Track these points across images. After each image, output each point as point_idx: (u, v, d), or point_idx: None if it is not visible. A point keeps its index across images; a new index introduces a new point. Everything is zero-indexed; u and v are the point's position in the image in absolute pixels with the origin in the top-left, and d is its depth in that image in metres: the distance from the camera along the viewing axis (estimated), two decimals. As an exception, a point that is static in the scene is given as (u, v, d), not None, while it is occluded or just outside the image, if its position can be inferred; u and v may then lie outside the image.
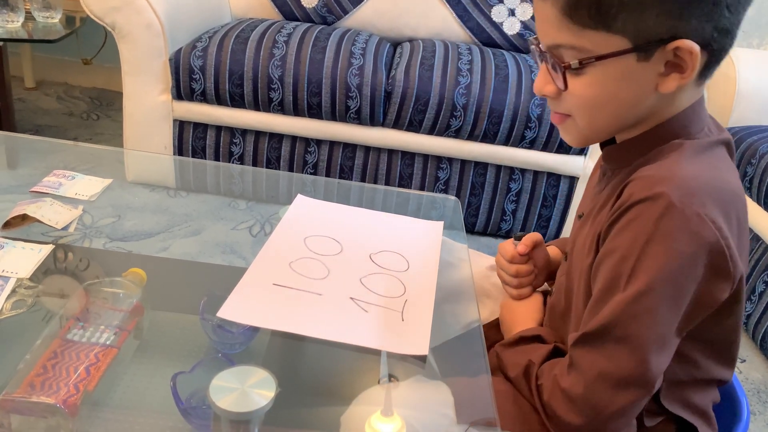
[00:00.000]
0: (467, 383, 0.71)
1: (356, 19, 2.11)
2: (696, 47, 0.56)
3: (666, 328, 0.58)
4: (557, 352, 0.69)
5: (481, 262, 0.94)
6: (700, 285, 0.57)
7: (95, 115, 2.51)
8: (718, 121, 2.01)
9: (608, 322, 0.59)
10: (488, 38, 2.12)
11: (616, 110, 0.62)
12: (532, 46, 0.64)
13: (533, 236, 0.84)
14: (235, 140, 1.88)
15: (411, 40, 2.09)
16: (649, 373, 0.58)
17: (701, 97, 0.64)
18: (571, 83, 0.61)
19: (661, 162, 0.61)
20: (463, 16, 2.10)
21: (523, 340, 0.73)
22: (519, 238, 0.84)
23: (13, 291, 0.76)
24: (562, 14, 0.58)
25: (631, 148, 0.65)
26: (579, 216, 0.74)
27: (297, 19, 2.11)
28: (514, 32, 2.10)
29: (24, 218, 0.86)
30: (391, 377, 0.71)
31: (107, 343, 0.68)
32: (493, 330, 0.87)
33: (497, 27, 2.10)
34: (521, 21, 2.10)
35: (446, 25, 2.12)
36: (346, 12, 2.10)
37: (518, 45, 2.11)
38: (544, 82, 0.64)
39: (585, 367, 0.60)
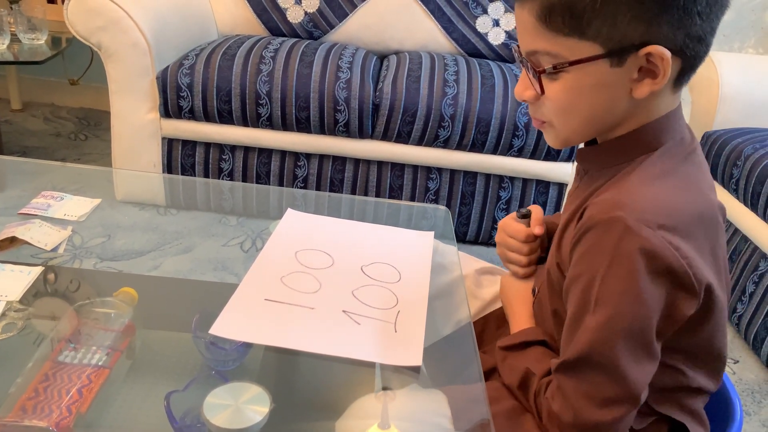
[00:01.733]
0: (462, 391, 0.71)
1: (342, 33, 2.13)
2: (667, 53, 0.57)
3: (639, 345, 0.59)
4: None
5: (471, 265, 0.95)
6: (666, 302, 0.59)
7: (83, 135, 2.51)
8: (703, 123, 2.01)
9: (583, 351, 0.60)
10: (474, 49, 2.14)
11: (591, 114, 0.63)
12: (515, 54, 0.66)
13: (540, 213, 0.84)
14: (224, 156, 1.88)
15: (397, 53, 2.10)
16: (632, 390, 0.60)
17: (678, 106, 0.65)
18: (547, 88, 0.63)
19: (620, 185, 0.62)
20: (448, 27, 2.12)
21: (525, 345, 0.74)
22: (524, 216, 0.82)
23: (3, 314, 0.75)
24: (537, 21, 0.60)
25: (606, 152, 0.66)
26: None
27: (283, 35, 2.12)
28: (499, 42, 2.13)
29: (12, 241, 0.86)
30: (387, 389, 0.71)
31: (99, 363, 0.68)
32: (478, 326, 0.88)
33: (482, 37, 2.13)
34: (506, 31, 2.12)
35: (432, 36, 2.14)
36: (332, 26, 2.12)
37: (503, 55, 2.13)
38: (523, 87, 0.65)
39: (569, 392, 0.62)
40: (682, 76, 0.61)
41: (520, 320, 0.78)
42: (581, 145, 0.71)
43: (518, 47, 0.65)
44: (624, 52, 0.58)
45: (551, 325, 0.72)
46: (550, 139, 0.69)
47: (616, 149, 0.65)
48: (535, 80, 0.63)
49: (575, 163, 1.83)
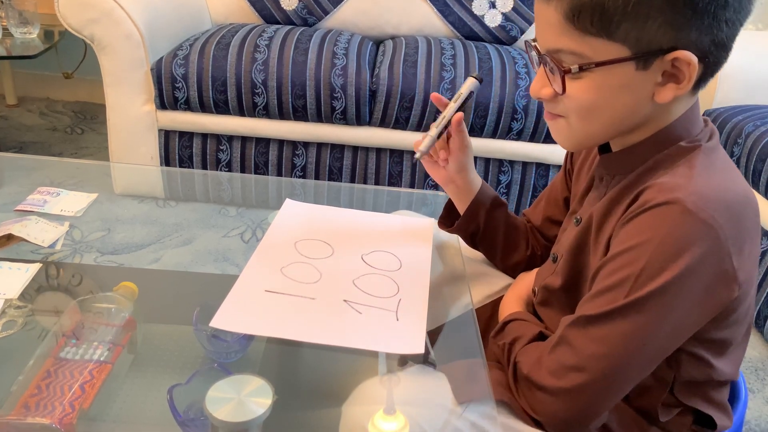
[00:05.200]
0: (462, 366, 0.71)
1: (337, 19, 2.11)
2: (694, 59, 0.57)
3: (677, 324, 0.59)
4: (543, 337, 0.69)
5: (476, 253, 0.94)
6: (709, 286, 0.58)
7: (79, 129, 2.49)
8: (703, 101, 1.99)
9: (613, 311, 0.59)
10: (470, 32, 2.12)
11: (612, 117, 0.63)
12: (531, 50, 0.65)
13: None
14: (221, 147, 1.87)
15: (393, 38, 2.08)
16: (648, 356, 0.60)
17: (696, 101, 0.65)
18: (569, 87, 0.61)
19: (674, 170, 0.62)
20: (444, 10, 2.10)
21: (509, 322, 0.74)
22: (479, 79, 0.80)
23: (3, 312, 0.75)
24: (565, 19, 0.58)
25: (632, 155, 0.65)
26: (576, 220, 0.74)
27: (277, 22, 2.10)
28: (496, 24, 2.10)
29: (9, 238, 0.85)
30: (392, 376, 0.71)
31: (101, 359, 0.68)
32: (487, 311, 0.87)
33: (479, 20, 2.10)
34: (502, 13, 2.10)
35: (427, 20, 2.12)
36: (326, 12, 2.10)
37: (500, 37, 2.11)
38: (541, 84, 0.64)
39: (578, 344, 0.61)
40: (702, 81, 0.61)
41: (508, 310, 0.78)
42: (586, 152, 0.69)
43: (535, 43, 0.64)
44: (651, 55, 0.58)
45: (556, 317, 0.72)
46: (563, 138, 0.67)
47: (644, 150, 0.64)
48: (556, 79, 0.61)
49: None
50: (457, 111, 0.79)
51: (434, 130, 0.79)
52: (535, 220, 0.90)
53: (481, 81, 0.78)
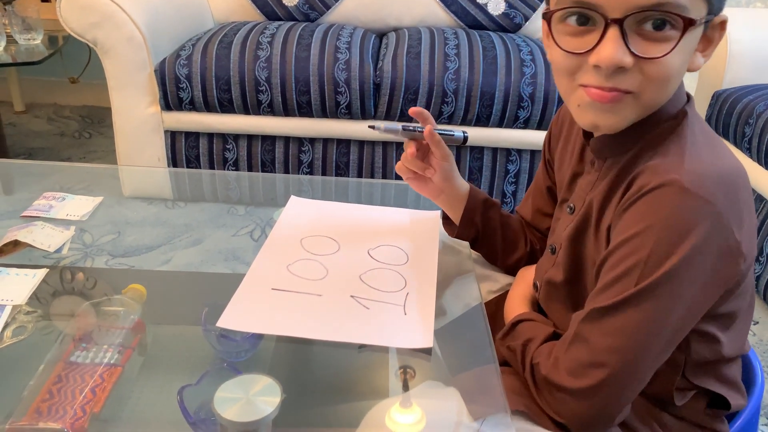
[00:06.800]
0: (474, 377, 0.70)
1: (339, 13, 2.09)
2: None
3: (690, 305, 0.58)
4: (556, 336, 0.68)
5: None
6: (716, 262, 0.57)
7: (87, 133, 2.51)
8: (712, 82, 1.97)
9: (624, 300, 0.58)
10: (473, 21, 2.10)
11: (674, 86, 0.60)
12: (594, 13, 0.55)
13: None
14: (228, 146, 1.87)
15: (396, 30, 2.07)
16: (664, 341, 0.59)
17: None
18: (661, 50, 0.55)
19: (666, 148, 0.60)
20: (447, 0, 2.08)
21: (518, 323, 0.73)
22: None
23: (13, 318, 0.75)
24: None
25: (626, 136, 0.63)
26: (569, 209, 0.72)
27: (279, 19, 2.09)
28: (500, 12, 2.08)
29: (16, 244, 0.86)
30: (407, 369, 0.70)
31: (111, 362, 0.68)
32: (491, 307, 0.86)
33: (482, 8, 2.08)
34: (506, 0, 2.08)
35: (430, 11, 2.10)
36: (328, 7, 2.09)
37: (504, 25, 2.09)
38: (622, 51, 0.55)
39: (593, 339, 0.60)
40: None
41: (515, 310, 0.77)
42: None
43: (603, 5, 0.55)
44: (713, 16, 0.56)
45: (562, 310, 0.71)
46: (619, 118, 0.60)
47: (638, 130, 0.62)
48: (662, 40, 0.55)
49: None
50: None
51: (400, 125, 0.79)
52: (526, 215, 0.89)
53: (463, 141, 0.80)
